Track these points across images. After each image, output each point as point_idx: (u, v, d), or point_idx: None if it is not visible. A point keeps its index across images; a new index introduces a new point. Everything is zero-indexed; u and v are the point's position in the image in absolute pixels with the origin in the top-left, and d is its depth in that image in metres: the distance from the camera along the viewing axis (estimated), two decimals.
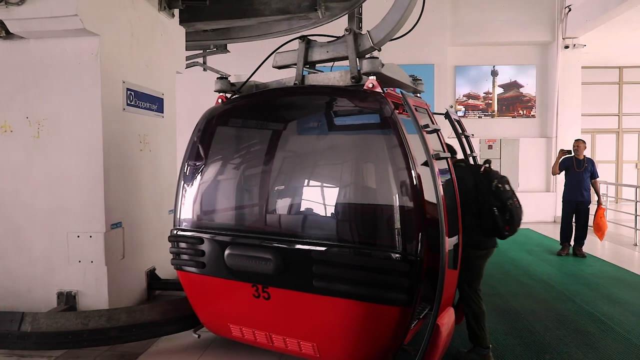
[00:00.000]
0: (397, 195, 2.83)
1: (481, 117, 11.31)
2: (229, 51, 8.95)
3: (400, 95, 3.08)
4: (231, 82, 3.76)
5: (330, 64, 3.63)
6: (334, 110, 3.37)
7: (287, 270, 3.03)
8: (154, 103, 5.18)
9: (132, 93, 4.70)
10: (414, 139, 2.92)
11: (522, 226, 10.07)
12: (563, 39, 10.53)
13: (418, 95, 3.88)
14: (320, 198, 3.24)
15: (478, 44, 11.01)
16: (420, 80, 4.17)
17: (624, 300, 5.03)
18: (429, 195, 2.84)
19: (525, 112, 11.23)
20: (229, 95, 3.75)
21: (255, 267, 3.13)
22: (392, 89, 3.66)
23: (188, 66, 9.03)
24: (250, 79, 3.76)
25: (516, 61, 11.17)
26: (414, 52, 10.68)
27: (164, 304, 3.81)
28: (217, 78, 3.75)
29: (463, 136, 4.13)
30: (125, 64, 4.61)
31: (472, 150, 4.26)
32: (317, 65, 3.68)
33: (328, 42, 3.48)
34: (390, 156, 2.88)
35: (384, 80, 3.21)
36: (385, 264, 2.79)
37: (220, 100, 3.72)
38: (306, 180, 3.37)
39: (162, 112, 5.38)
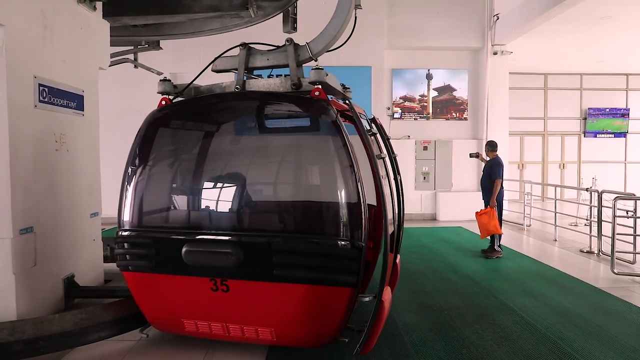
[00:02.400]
0: (345, 191, 3.18)
1: (417, 119, 11.64)
2: (161, 48, 8.64)
3: (341, 103, 3.63)
4: (174, 84, 3.86)
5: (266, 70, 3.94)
6: (285, 114, 3.68)
7: (247, 262, 3.24)
8: (73, 100, 4.89)
9: (46, 89, 4.40)
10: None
11: (454, 224, 10.51)
12: (492, 45, 11.05)
13: (347, 102, 4.05)
14: (277, 195, 3.62)
15: (414, 47, 11.33)
16: (349, 88, 4.51)
17: (540, 293, 5.34)
18: (369, 189, 3.28)
19: (458, 114, 11.68)
20: (171, 97, 3.82)
21: (214, 262, 3.30)
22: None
23: (118, 62, 8.64)
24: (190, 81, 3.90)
25: (450, 65, 11.59)
26: (351, 55, 10.76)
27: (77, 313, 3.60)
28: (160, 80, 3.83)
29: (374, 135, 4.14)
30: (38, 58, 4.31)
31: (391, 151, 4.53)
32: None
33: (269, 50, 3.77)
34: (337, 156, 3.22)
35: (325, 88, 3.48)
36: (338, 251, 3.14)
37: (163, 102, 3.77)
38: (263, 179, 3.67)
39: (82, 110, 5.09)
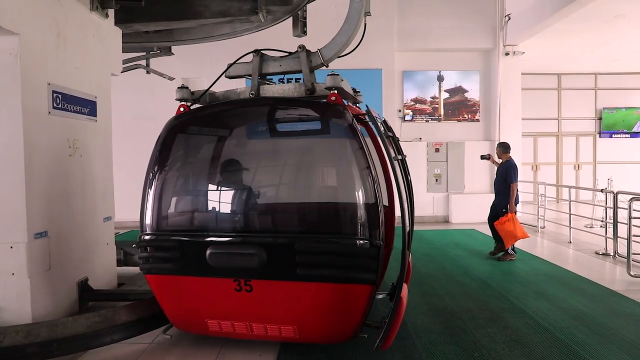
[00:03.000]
0: (363, 192, 3.29)
1: (428, 121, 11.58)
2: (173, 54, 8.75)
3: (355, 107, 3.84)
4: (191, 91, 3.99)
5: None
6: (303, 119, 3.81)
7: (270, 262, 3.32)
8: (86, 106, 4.98)
9: (60, 96, 4.49)
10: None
11: (467, 226, 10.39)
12: (504, 46, 10.97)
13: (357, 105, 4.33)
14: (298, 197, 3.83)
15: (424, 49, 11.29)
16: (359, 92, 4.72)
17: (553, 296, 5.26)
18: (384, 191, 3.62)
19: (469, 116, 11.60)
20: (189, 104, 3.92)
21: (238, 263, 3.39)
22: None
23: (130, 68, 8.77)
24: (206, 89, 4.00)
25: (461, 67, 11.52)
26: (362, 58, 10.70)
27: (90, 316, 3.65)
28: (178, 87, 3.94)
29: (389, 138, 4.17)
30: (51, 65, 4.40)
31: (399, 152, 4.45)
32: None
33: (281, 56, 3.89)
34: (355, 159, 3.34)
35: (340, 93, 3.60)
36: (358, 250, 3.25)
37: (182, 109, 3.86)
38: (284, 182, 3.80)
39: (95, 116, 5.18)
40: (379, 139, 3.86)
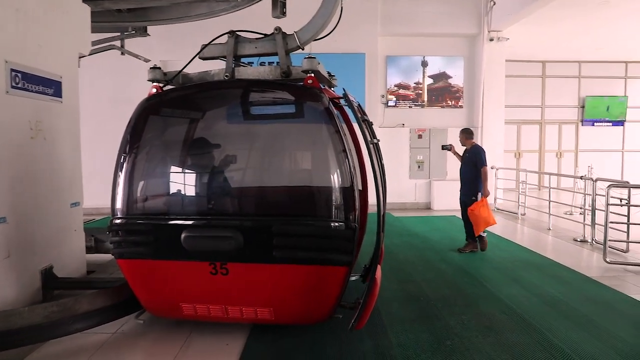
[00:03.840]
0: (339, 175, 3.32)
1: (412, 107, 11.48)
2: (148, 34, 8.46)
3: (332, 91, 3.82)
4: (164, 72, 3.89)
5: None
6: (279, 102, 3.80)
7: (247, 245, 3.32)
8: (49, 86, 4.76)
9: (19, 74, 4.27)
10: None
11: (448, 213, 10.32)
12: (488, 31, 10.86)
13: (332, 89, 4.31)
14: (275, 180, 3.83)
15: (408, 34, 11.13)
16: (334, 76, 4.70)
17: (529, 283, 5.24)
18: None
19: (453, 102, 11.52)
20: (161, 85, 3.85)
21: (214, 246, 3.37)
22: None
23: (103, 49, 8.47)
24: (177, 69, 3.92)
25: (445, 52, 11.40)
26: (345, 41, 10.59)
27: (48, 305, 3.49)
28: (150, 68, 3.85)
29: (365, 122, 4.18)
30: (9, 42, 4.17)
31: (373, 136, 4.53)
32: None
33: (257, 38, 3.82)
34: (331, 142, 3.34)
35: (317, 76, 3.56)
36: (334, 232, 3.29)
37: (154, 90, 3.77)
38: (260, 165, 3.83)
39: (60, 97, 4.96)
40: (355, 122, 3.85)
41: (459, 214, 10.56)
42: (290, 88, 3.65)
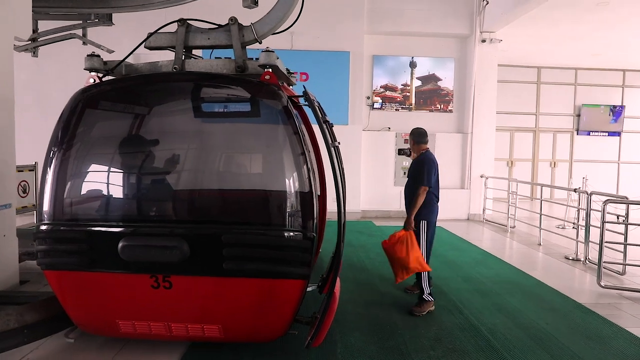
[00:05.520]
0: (297, 180, 3.08)
1: (398, 110, 10.86)
2: (112, 23, 7.81)
3: (291, 89, 3.61)
4: (104, 61, 3.58)
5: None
6: (233, 99, 3.49)
7: (193, 256, 3.02)
8: None
9: None
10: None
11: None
12: (480, 32, 10.26)
13: (303, 87, 3.88)
14: (225, 184, 3.50)
15: (397, 33, 10.52)
16: (294, 73, 4.42)
17: (514, 310, 4.61)
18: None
19: (442, 106, 10.91)
20: (100, 75, 3.56)
21: (155, 257, 3.06)
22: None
23: (63, 38, 7.84)
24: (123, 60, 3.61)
25: (435, 53, 10.80)
26: (328, 38, 10.05)
27: None
28: (88, 55, 3.51)
29: (325, 123, 3.87)
30: None
31: (334, 139, 4.21)
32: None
33: (210, 29, 3.53)
34: (289, 144, 3.09)
35: (275, 72, 3.32)
36: (290, 242, 3.03)
37: (91, 80, 3.47)
38: (209, 167, 3.45)
39: None
40: (316, 123, 3.50)
41: (446, 224, 10.05)
42: (245, 84, 3.34)
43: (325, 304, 3.10)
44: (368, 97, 10.73)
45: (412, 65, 10.81)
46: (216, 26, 3.58)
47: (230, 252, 3.01)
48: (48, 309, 3.50)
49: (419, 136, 4.83)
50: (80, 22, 7.72)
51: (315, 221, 3.09)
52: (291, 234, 3.05)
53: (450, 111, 10.94)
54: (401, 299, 4.88)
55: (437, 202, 4.73)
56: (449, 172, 10.84)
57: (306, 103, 3.45)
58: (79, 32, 7.94)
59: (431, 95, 10.88)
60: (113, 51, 8.33)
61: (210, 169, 3.50)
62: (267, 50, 3.28)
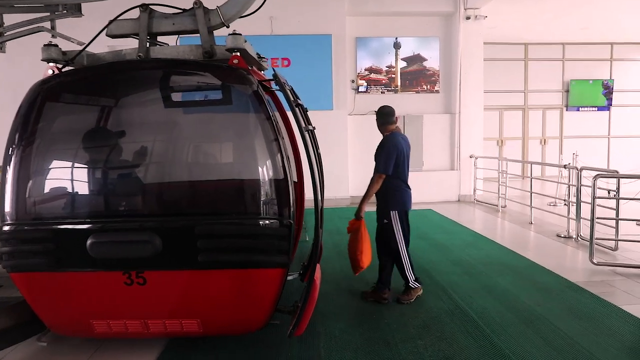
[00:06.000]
0: (271, 167, 2.99)
1: (384, 93, 10.62)
2: (82, 14, 7.48)
3: (261, 73, 3.49)
4: (63, 50, 3.36)
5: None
6: (201, 85, 3.38)
7: (166, 250, 2.93)
8: None
9: None
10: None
11: (424, 206, 9.31)
12: (465, 9, 10.01)
13: (273, 70, 3.76)
14: (197, 174, 3.41)
15: (380, 13, 10.24)
16: (264, 58, 4.28)
17: (505, 292, 4.47)
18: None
19: (429, 87, 10.69)
20: (60, 66, 3.35)
21: (127, 253, 2.98)
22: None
23: (32, 31, 7.52)
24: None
25: (419, 33, 10.54)
26: (309, 22, 9.76)
27: None
28: (45, 45, 3.31)
29: (298, 107, 3.78)
30: None
31: (308, 123, 4.12)
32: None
33: (174, 13, 3.39)
34: (261, 130, 3.01)
35: (244, 56, 3.21)
36: (267, 231, 2.96)
37: (50, 72, 3.28)
38: (180, 157, 3.38)
39: None
40: (288, 107, 3.42)
41: (436, 207, 9.91)
42: (212, 69, 3.23)
43: (305, 292, 3.04)
44: (353, 81, 10.49)
45: (397, 46, 10.55)
46: (181, 11, 3.41)
47: (204, 244, 2.93)
48: (18, 313, 3.40)
49: (383, 116, 4.29)
50: (48, 14, 7.40)
51: (292, 208, 3.00)
52: (267, 222, 2.97)
53: (437, 92, 10.73)
54: None
55: (408, 188, 4.34)
56: (438, 154, 10.68)
57: (277, 87, 3.33)
58: (48, 24, 7.62)
59: (417, 76, 10.65)
60: (84, 43, 8.04)
61: (180, 160, 3.41)
62: (235, 34, 3.14)
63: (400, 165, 4.19)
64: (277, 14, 9.52)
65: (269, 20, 9.58)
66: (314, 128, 4.30)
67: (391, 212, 4.19)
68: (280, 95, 3.49)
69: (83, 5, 7.54)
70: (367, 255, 4.10)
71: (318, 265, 3.25)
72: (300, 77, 9.75)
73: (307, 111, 4.43)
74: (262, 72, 4.25)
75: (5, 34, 7.55)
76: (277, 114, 3.78)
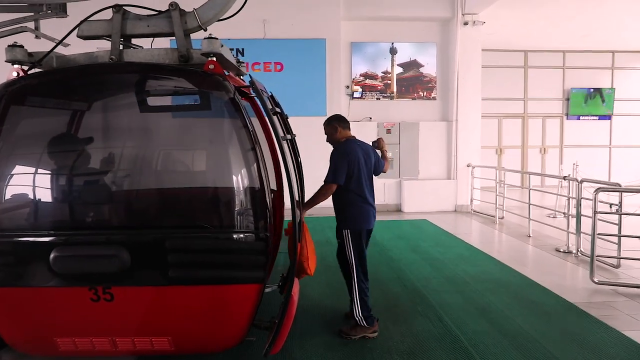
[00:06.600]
0: (247, 177, 2.86)
1: (379, 99, 10.37)
2: (66, 14, 7.22)
3: (238, 79, 3.29)
4: (29, 52, 3.16)
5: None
6: (174, 91, 3.22)
7: (135, 264, 2.77)
8: None
9: None
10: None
11: (420, 216, 8.95)
12: (462, 14, 9.78)
13: (241, 77, 3.74)
14: (168, 185, 3.30)
15: (375, 18, 10.00)
16: (243, 63, 4.08)
17: (499, 314, 4.17)
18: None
19: (425, 93, 10.43)
20: (25, 68, 3.15)
21: (92, 267, 2.81)
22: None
23: (14, 32, 7.28)
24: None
25: (416, 38, 10.30)
26: (303, 26, 9.52)
27: None
28: (9, 46, 3.12)
29: (277, 115, 3.58)
30: None
31: (288, 131, 3.99)
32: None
33: (149, 15, 3.26)
34: (237, 138, 2.86)
35: (220, 61, 3.06)
36: (242, 245, 2.85)
37: (15, 74, 3.08)
38: (150, 166, 3.25)
39: None
40: (267, 115, 3.19)
41: (432, 217, 9.62)
42: (186, 74, 3.05)
43: (282, 309, 2.92)
44: (347, 87, 10.23)
45: (393, 51, 10.31)
46: (156, 12, 3.26)
47: (175, 259, 2.80)
48: None
49: (331, 124, 3.94)
50: (32, 13, 7.16)
51: (268, 220, 2.83)
52: (241, 235, 2.84)
53: (434, 99, 10.47)
54: (374, 305, 4.42)
55: (366, 204, 3.80)
56: (435, 162, 10.41)
57: (254, 94, 3.16)
58: (31, 24, 7.37)
59: (413, 83, 10.40)
60: (69, 45, 7.79)
61: (150, 169, 3.25)
62: (211, 37, 2.99)
63: (355, 177, 3.72)
64: (271, 17, 9.28)
65: (262, 23, 9.33)
66: (294, 136, 4.15)
67: (343, 230, 3.79)
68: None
69: (69, 5, 7.29)
70: (313, 261, 3.59)
71: (296, 280, 3.12)
72: (293, 82, 9.52)
73: (287, 118, 4.28)
74: (241, 77, 4.03)
75: None
76: (258, 121, 3.64)
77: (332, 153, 3.87)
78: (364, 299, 3.74)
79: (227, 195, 2.94)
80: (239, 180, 2.89)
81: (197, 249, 2.85)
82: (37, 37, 7.96)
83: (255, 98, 3.36)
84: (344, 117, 4.05)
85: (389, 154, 4.47)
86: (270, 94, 4.14)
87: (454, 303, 4.46)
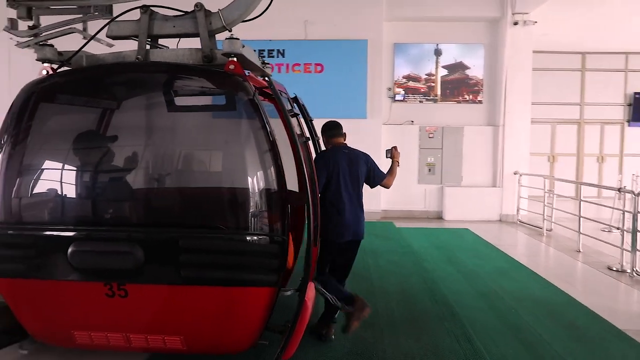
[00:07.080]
0: (263, 179, 2.86)
1: (422, 102, 10.03)
2: (112, 15, 7.46)
3: (260, 79, 3.30)
4: (59, 51, 3.27)
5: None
6: (195, 90, 3.27)
7: (149, 262, 2.83)
8: None
9: None
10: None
11: (461, 225, 8.58)
12: (512, 14, 9.29)
13: (266, 78, 3.67)
14: (185, 184, 3.38)
15: (419, 18, 9.70)
16: (268, 64, 4.03)
17: (534, 337, 3.83)
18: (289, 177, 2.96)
19: (471, 97, 9.99)
20: (55, 67, 3.24)
21: (108, 263, 2.89)
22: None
23: (64, 33, 7.60)
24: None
25: (462, 39, 9.90)
26: (345, 26, 9.38)
27: None
28: (40, 44, 3.24)
29: (296, 116, 3.84)
30: None
31: (313, 133, 4.28)
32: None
33: (175, 16, 3.32)
34: (255, 139, 2.89)
35: (241, 61, 3.07)
36: (256, 247, 2.83)
37: (44, 72, 3.16)
38: (168, 165, 3.34)
39: None
40: (284, 116, 3.20)
41: (474, 227, 9.18)
42: (207, 74, 3.10)
43: (296, 313, 2.90)
44: (389, 89, 9.98)
45: (437, 53, 9.95)
46: (182, 13, 3.31)
47: (187, 259, 2.81)
48: (1, 318, 3.32)
49: (329, 130, 3.97)
50: (81, 15, 7.44)
51: (284, 223, 2.82)
52: (255, 238, 2.82)
53: (480, 102, 10.01)
54: (399, 318, 4.19)
55: (340, 216, 3.68)
56: (479, 169, 9.96)
57: (272, 95, 3.17)
58: (80, 26, 7.64)
59: (458, 85, 9.99)
60: (113, 45, 8.05)
61: (168, 168, 3.36)
62: (232, 38, 3.00)
63: (333, 186, 3.69)
64: (312, 18, 9.21)
65: (303, 24, 9.26)
66: (308, 139, 4.17)
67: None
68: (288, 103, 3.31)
69: (115, 7, 7.52)
70: (290, 257, 3.31)
71: (311, 284, 3.10)
72: (333, 84, 9.39)
73: (311, 121, 4.28)
74: (266, 78, 4.00)
75: (41, 35, 7.66)
76: (280, 122, 3.56)
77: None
78: (333, 289, 3.53)
79: (243, 196, 2.94)
80: (256, 182, 2.89)
81: (211, 250, 2.85)
82: (84, 38, 8.30)
83: (292, 100, 3.38)
84: (333, 125, 4.01)
85: (398, 167, 4.27)
86: (294, 96, 4.15)
87: (486, 321, 4.15)
